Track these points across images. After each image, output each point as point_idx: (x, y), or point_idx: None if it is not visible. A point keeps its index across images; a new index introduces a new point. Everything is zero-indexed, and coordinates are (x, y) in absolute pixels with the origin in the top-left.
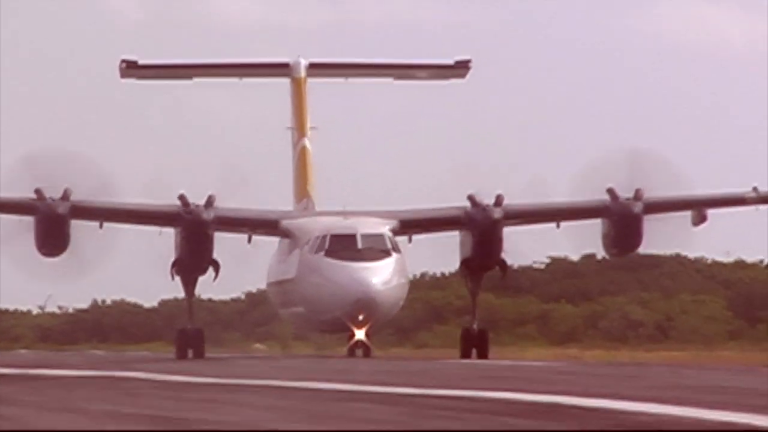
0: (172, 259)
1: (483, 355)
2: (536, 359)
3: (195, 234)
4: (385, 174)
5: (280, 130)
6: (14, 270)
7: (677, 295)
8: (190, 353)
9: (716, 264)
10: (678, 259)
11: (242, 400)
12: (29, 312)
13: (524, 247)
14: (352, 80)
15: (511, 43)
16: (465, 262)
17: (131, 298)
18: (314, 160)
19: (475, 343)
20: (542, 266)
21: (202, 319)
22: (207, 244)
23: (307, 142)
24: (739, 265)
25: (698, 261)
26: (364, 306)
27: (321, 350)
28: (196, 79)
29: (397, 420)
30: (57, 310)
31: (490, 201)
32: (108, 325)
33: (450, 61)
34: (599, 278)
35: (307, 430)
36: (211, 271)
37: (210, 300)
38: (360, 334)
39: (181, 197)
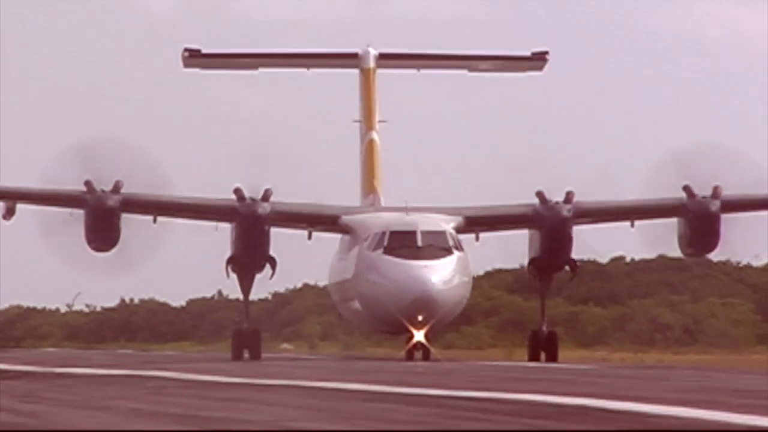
0: (228, 255)
1: (552, 358)
2: (564, 361)
3: (250, 229)
4: (454, 170)
5: (348, 124)
6: (63, 265)
7: (705, 299)
8: (246, 354)
9: (745, 267)
10: (706, 262)
11: (269, 399)
12: (57, 310)
13: (597, 247)
14: (423, 72)
15: (587, 36)
16: (533, 262)
17: (161, 298)
18: (382, 154)
19: (544, 347)
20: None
21: (230, 318)
22: (263, 240)
23: (375, 135)
24: None
25: (726, 264)
26: (423, 306)
27: (347, 349)
28: (262, 69)
29: (422, 421)
30: (85, 309)
31: (560, 198)
32: (136, 324)
33: (527, 53)
34: (627, 281)
35: (332, 430)
36: (268, 268)
37: (237, 300)
38: (419, 336)
39: (237, 191)
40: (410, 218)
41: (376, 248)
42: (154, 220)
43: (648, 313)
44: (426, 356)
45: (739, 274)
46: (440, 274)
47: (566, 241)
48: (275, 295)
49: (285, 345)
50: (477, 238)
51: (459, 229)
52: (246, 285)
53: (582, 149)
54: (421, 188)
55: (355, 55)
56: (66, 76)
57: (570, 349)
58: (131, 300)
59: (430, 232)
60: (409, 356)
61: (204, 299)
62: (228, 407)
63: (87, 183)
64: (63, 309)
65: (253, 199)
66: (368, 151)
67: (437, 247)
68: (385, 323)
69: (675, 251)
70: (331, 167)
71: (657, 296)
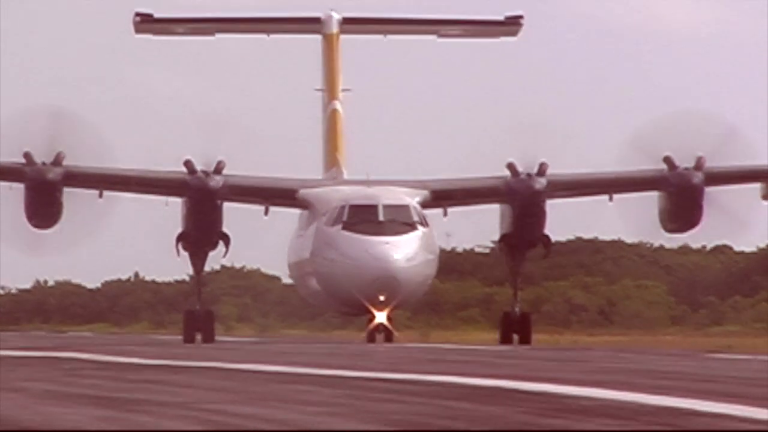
0: (178, 231)
1: (525, 340)
2: (479, 343)
3: (202, 204)
4: (422, 142)
5: (309, 93)
6: (2, 243)
7: (620, 280)
8: (199, 337)
9: (658, 249)
10: (619, 243)
11: (185, 381)
12: None
13: (572, 222)
14: (390, 37)
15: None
16: (504, 238)
17: (76, 279)
18: (346, 125)
19: (516, 329)
20: (486, 250)
21: (145, 300)
22: (215, 216)
23: (338, 105)
24: (682, 250)
25: (640, 246)
26: (385, 285)
27: (263, 332)
28: (219, 35)
29: (334, 402)
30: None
31: (533, 170)
32: (51, 306)
33: (500, 17)
34: (542, 263)
35: (244, 411)
36: (221, 246)
37: (153, 281)
38: (381, 317)
39: (187, 163)
40: (372, 191)
41: (334, 224)
42: (100, 195)
43: (563, 294)
44: (388, 338)
45: (653, 256)
46: (403, 251)
47: (539, 216)
48: (192, 276)
49: None
50: (445, 213)
51: (425, 204)
52: (198, 263)
53: (558, 120)
54: (387, 161)
55: (317, 20)
56: (4, 45)
57: (485, 330)
58: (45, 282)
59: (392, 206)
60: (371, 338)
61: (120, 281)
62: (143, 389)
63: (26, 155)
64: None
65: (204, 172)
66: (331, 121)
67: (400, 222)
68: (346, 304)
69: (655, 227)
70: (291, 139)
71: (572, 278)
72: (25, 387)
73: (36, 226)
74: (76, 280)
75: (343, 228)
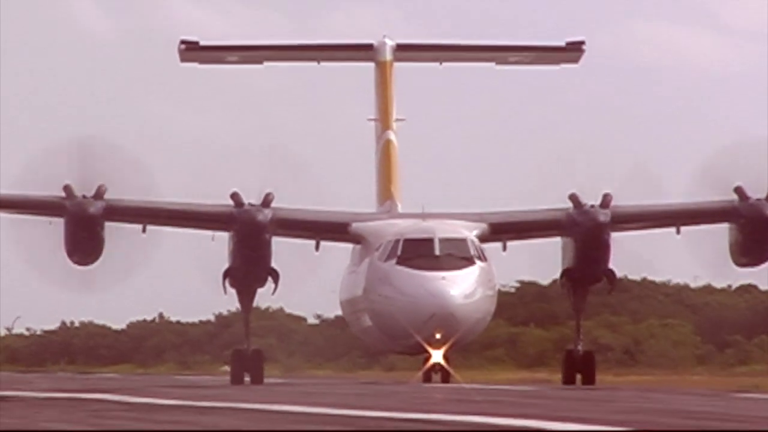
0: (225, 267)
1: (589, 380)
2: (505, 383)
3: (250, 238)
4: (480, 173)
5: (362, 122)
6: (42, 280)
7: (645, 320)
8: (248, 378)
9: (684, 288)
10: (645, 283)
11: (210, 422)
12: None
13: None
14: (446, 65)
15: (627, 24)
16: (567, 272)
17: (100, 320)
18: (400, 156)
19: (579, 368)
20: (512, 290)
21: (169, 341)
22: (263, 251)
23: (392, 135)
24: (707, 289)
25: (666, 285)
26: (441, 323)
27: (288, 372)
28: (267, 64)
29: None
30: (25, 332)
31: (596, 201)
32: (76, 347)
33: (561, 43)
34: (567, 302)
35: None
36: (270, 282)
37: (179, 322)
38: (437, 356)
39: (234, 195)
40: (427, 225)
41: (388, 258)
42: (143, 230)
43: (588, 334)
44: (445, 379)
45: (678, 295)
46: (460, 287)
47: (603, 249)
48: (217, 317)
49: (226, 367)
50: (504, 248)
51: (483, 237)
52: (246, 300)
53: (622, 149)
54: (443, 193)
55: (369, 47)
56: (44, 75)
57: (510, 370)
58: (72, 323)
59: (449, 239)
60: (427, 378)
61: (145, 322)
62: (169, 430)
63: (66, 188)
64: (2, 332)
65: (252, 205)
66: (384, 152)
67: (457, 256)
68: (400, 343)
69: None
70: (344, 171)
71: (597, 317)
72: (51, 428)
73: (77, 262)
74: (101, 321)
75: (398, 263)
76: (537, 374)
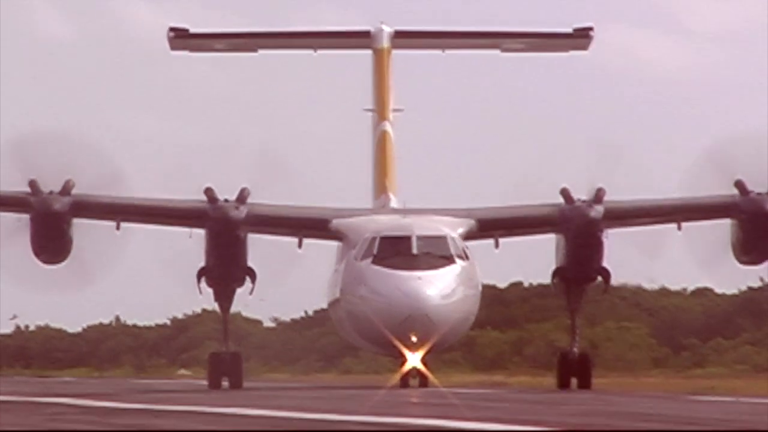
0: (200, 266)
1: (585, 384)
2: (461, 385)
3: (223, 235)
4: (481, 166)
5: (359, 113)
6: (10, 280)
7: (602, 323)
8: (226, 382)
9: (640, 291)
10: (601, 286)
11: (168, 425)
12: None
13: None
14: (448, 52)
15: (636, 9)
16: (558, 272)
17: (56, 324)
18: (399, 147)
19: (574, 371)
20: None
21: (125, 344)
22: (238, 248)
23: (388, 126)
24: (663, 292)
25: (622, 288)
26: (417, 324)
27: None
28: (262, 51)
29: None
30: None
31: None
32: (32, 350)
33: (568, 29)
34: (525, 305)
35: None
36: (248, 282)
37: (135, 326)
38: (414, 360)
39: (208, 191)
40: (406, 222)
41: (364, 257)
42: (117, 227)
43: (545, 336)
44: (424, 383)
45: (634, 298)
46: (438, 287)
47: (596, 247)
48: (173, 320)
49: (182, 371)
50: (497, 245)
51: (471, 234)
52: (224, 301)
53: (629, 140)
54: (443, 187)
55: (366, 34)
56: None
57: (467, 373)
58: (27, 327)
59: (427, 237)
60: (404, 383)
61: (101, 325)
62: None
63: (31, 183)
64: None
65: (227, 201)
66: (380, 144)
67: (436, 255)
68: (378, 345)
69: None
70: (339, 165)
71: (554, 320)
72: None
73: (44, 261)
74: (57, 324)
75: (373, 262)
76: (494, 377)
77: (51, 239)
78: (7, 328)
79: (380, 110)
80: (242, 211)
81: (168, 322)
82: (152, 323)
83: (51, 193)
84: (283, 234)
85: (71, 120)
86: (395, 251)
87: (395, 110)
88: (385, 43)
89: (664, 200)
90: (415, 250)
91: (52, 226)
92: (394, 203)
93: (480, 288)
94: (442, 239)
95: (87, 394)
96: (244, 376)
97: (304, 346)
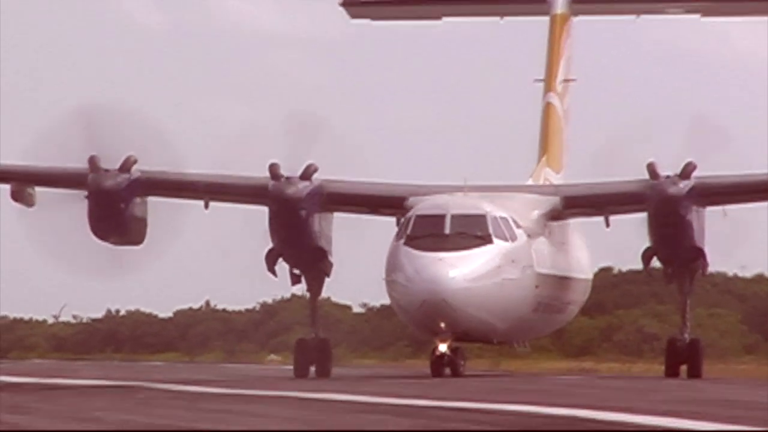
0: (268, 248)
1: (696, 373)
2: (551, 372)
3: (284, 214)
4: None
5: (528, 84)
6: (62, 258)
7: (693, 309)
8: (312, 370)
9: (732, 278)
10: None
11: (257, 411)
12: (44, 321)
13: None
14: (644, 17)
15: None
16: (647, 252)
17: (146, 308)
18: (571, 122)
19: (684, 359)
20: None
21: (215, 329)
22: (302, 228)
23: (554, 98)
24: (756, 279)
25: (714, 275)
26: (434, 310)
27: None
28: (446, 19)
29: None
30: (72, 320)
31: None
32: (122, 335)
33: None
34: (614, 291)
35: None
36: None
37: (225, 311)
38: (442, 347)
39: (272, 167)
40: (446, 199)
41: (399, 237)
42: (206, 205)
43: (635, 323)
44: (455, 372)
45: (726, 285)
46: (463, 269)
47: (683, 225)
48: (263, 305)
49: (272, 356)
50: (607, 224)
51: (554, 213)
52: (313, 284)
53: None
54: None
55: None
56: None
57: (557, 360)
58: (117, 311)
59: (464, 216)
60: (435, 371)
61: (191, 310)
62: (215, 419)
63: (91, 159)
64: (50, 320)
65: (288, 178)
66: (545, 117)
67: (471, 235)
68: (418, 330)
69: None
70: (508, 140)
71: (644, 306)
72: (98, 417)
73: (103, 239)
74: (147, 309)
75: (405, 242)
76: (584, 364)
77: (110, 218)
78: (98, 312)
79: (548, 81)
80: (304, 188)
81: (258, 307)
82: (242, 308)
83: (110, 170)
84: (356, 212)
85: (159, 105)
86: (428, 231)
87: (566, 80)
88: (560, 8)
89: (762, 176)
90: (447, 230)
91: (112, 205)
92: (554, 178)
93: (533, 272)
94: (480, 218)
95: (177, 379)
96: (332, 362)
97: (393, 331)
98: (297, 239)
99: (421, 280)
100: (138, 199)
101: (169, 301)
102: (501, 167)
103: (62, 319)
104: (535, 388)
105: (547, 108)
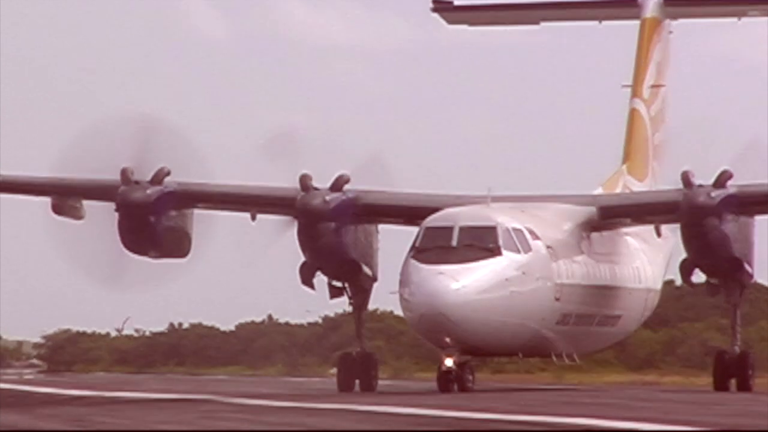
0: (301, 261)
1: (745, 386)
2: (614, 385)
3: (311, 226)
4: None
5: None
6: (99, 269)
7: (756, 322)
8: (357, 384)
9: None
10: (756, 285)
11: (321, 423)
12: (107, 334)
13: None
14: (744, 20)
15: None
16: (684, 264)
17: (209, 321)
18: (658, 127)
19: (733, 372)
20: None
21: (277, 342)
22: (332, 240)
23: (639, 104)
24: None
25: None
26: (434, 325)
27: (396, 375)
28: (544, 24)
29: None
30: (134, 333)
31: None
32: (185, 348)
33: None
34: (677, 304)
35: None
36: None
37: (287, 324)
38: (448, 362)
39: (303, 178)
40: (457, 211)
41: (411, 250)
42: (223, 218)
43: (698, 336)
44: (462, 387)
45: None
46: (465, 283)
47: (717, 236)
48: (325, 318)
49: (334, 369)
50: (658, 233)
51: (590, 223)
52: (357, 297)
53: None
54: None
55: (633, 2)
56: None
57: (620, 373)
58: (180, 324)
59: (473, 228)
60: (443, 387)
61: (254, 323)
62: None
63: (123, 171)
64: (113, 333)
65: (315, 188)
66: (629, 123)
67: (479, 247)
68: (431, 344)
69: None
70: (594, 147)
71: (707, 320)
72: (162, 429)
73: (134, 252)
74: (209, 322)
75: (413, 256)
76: (646, 377)
77: (137, 230)
78: (161, 326)
79: (635, 86)
80: (333, 199)
81: (320, 321)
82: (304, 322)
83: (141, 182)
84: (393, 223)
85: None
86: (435, 243)
87: (654, 86)
88: (650, 12)
89: None
90: (455, 242)
91: (137, 217)
92: (634, 186)
93: (551, 283)
94: (490, 230)
95: (239, 392)
96: (377, 376)
97: None
98: (327, 252)
99: (420, 293)
100: (174, 212)
101: (231, 315)
102: (574, 175)
103: (125, 332)
104: (596, 401)
105: (632, 114)
